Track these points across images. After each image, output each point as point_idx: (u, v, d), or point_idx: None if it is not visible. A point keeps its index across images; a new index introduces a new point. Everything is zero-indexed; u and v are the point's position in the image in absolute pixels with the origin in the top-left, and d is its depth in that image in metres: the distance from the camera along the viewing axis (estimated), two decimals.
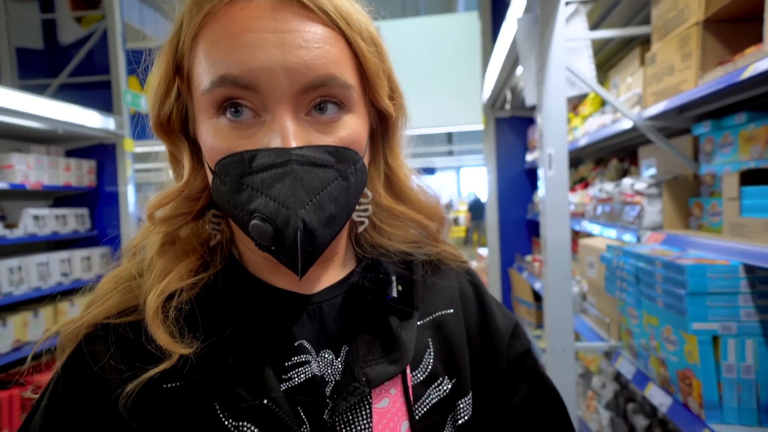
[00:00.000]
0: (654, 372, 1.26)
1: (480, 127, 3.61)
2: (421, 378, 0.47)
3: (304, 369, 0.43)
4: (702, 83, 1.13)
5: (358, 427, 0.42)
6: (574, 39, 1.52)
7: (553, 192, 1.49)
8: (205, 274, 0.45)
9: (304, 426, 0.41)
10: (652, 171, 1.72)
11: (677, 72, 1.24)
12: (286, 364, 0.43)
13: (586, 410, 2.04)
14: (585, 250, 1.88)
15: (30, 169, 3.02)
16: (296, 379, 0.43)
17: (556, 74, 1.42)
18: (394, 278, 0.48)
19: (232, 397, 0.40)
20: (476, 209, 12.26)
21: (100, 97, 3.52)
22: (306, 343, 0.44)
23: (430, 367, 0.47)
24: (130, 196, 3.54)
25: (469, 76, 4.60)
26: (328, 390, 0.43)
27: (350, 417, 0.42)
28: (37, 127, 2.95)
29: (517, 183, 3.38)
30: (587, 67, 1.52)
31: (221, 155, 0.40)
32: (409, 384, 0.45)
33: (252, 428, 0.40)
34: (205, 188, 0.46)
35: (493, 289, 3.50)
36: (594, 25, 1.87)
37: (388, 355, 0.44)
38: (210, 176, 0.42)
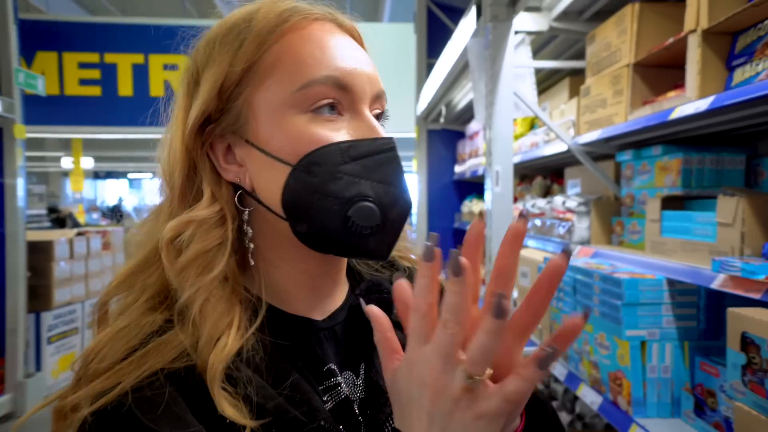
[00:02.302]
0: (585, 374, 1.40)
1: (406, 135, 3.71)
2: None
3: (337, 391, 0.46)
4: (632, 118, 1.29)
5: None
6: (520, 66, 1.64)
7: (499, 206, 1.59)
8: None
9: None
10: (577, 190, 1.92)
11: (609, 106, 1.41)
12: (321, 388, 0.45)
13: None
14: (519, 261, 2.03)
15: None
16: (330, 402, 0.45)
17: (505, 98, 1.52)
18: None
19: (289, 423, 0.40)
20: None
21: None
22: (333, 366, 0.47)
23: None
24: (19, 189, 3.04)
25: (399, 86, 4.72)
26: (356, 408, 0.46)
27: (385, 429, 0.45)
28: None
29: (446, 193, 3.54)
30: (530, 93, 1.65)
31: (313, 146, 0.42)
32: None
33: None
34: (221, 210, 0.44)
35: None
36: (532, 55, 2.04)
37: None
38: (279, 176, 0.43)
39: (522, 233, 0.34)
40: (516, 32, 1.55)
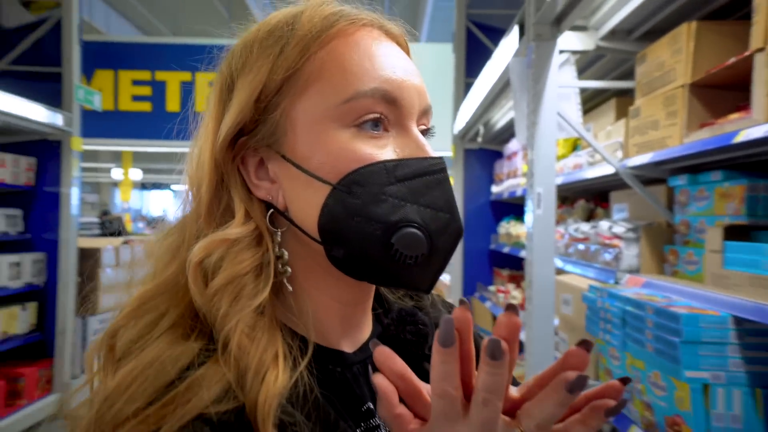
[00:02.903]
0: (638, 414, 1.29)
1: (442, 153, 3.67)
2: None
3: None
4: (688, 141, 1.21)
5: None
6: (565, 86, 1.59)
7: (541, 230, 1.52)
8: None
9: None
10: (624, 215, 1.82)
11: (662, 128, 1.33)
12: (359, 430, 0.41)
13: None
14: (561, 287, 1.93)
15: None
16: None
17: (548, 118, 1.47)
18: (431, 329, 0.46)
19: None
20: None
21: (47, 90, 3.20)
22: (371, 405, 0.43)
23: None
24: (73, 198, 3.22)
25: (438, 106, 4.72)
26: None
27: None
28: None
29: (482, 213, 3.47)
30: (575, 113, 1.59)
31: (356, 165, 0.38)
32: None
33: None
34: (256, 229, 0.40)
35: None
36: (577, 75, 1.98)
37: None
38: (317, 196, 0.39)
39: (467, 321, 0.33)
40: (561, 51, 1.51)
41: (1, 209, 3.03)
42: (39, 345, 3.25)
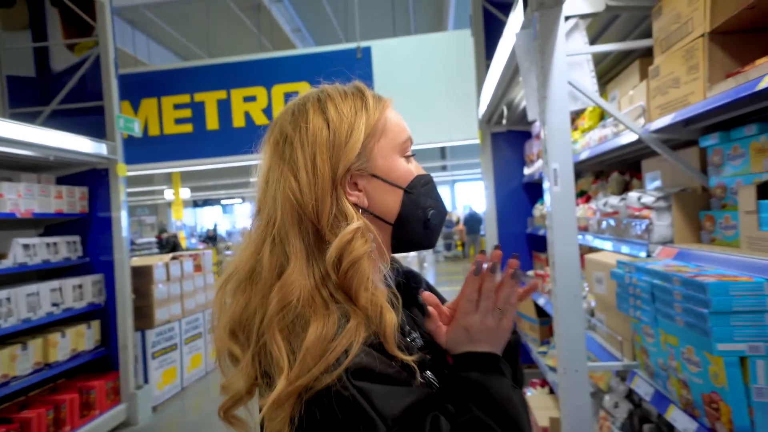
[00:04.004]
0: (675, 394, 1.20)
1: (474, 141, 3.59)
2: None
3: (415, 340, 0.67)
4: (711, 95, 1.11)
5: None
6: (574, 53, 1.51)
7: (560, 207, 1.45)
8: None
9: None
10: (657, 184, 1.70)
11: (683, 84, 1.23)
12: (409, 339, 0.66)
13: (599, 431, 1.97)
14: (592, 265, 1.84)
15: (20, 198, 2.95)
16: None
17: (559, 89, 1.40)
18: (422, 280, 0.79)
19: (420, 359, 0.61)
20: (472, 223, 12.24)
21: (93, 123, 3.47)
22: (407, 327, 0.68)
23: None
24: (123, 221, 3.47)
25: (462, 92, 4.62)
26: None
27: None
28: (28, 155, 2.90)
29: (516, 197, 3.36)
30: (589, 81, 1.50)
31: (412, 177, 0.68)
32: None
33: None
34: (364, 223, 0.64)
35: None
36: (593, 40, 1.87)
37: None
38: (395, 196, 0.66)
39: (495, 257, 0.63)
40: (567, 18, 1.43)
41: (62, 237, 3.32)
42: (105, 359, 3.54)
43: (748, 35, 1.09)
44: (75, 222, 3.49)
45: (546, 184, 1.48)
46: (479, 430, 0.55)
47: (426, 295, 0.64)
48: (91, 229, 3.50)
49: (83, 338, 3.34)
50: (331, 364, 0.53)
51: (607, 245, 1.74)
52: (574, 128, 2.28)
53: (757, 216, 1.03)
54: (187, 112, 5.96)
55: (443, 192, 20.23)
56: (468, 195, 17.85)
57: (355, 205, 0.64)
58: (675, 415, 1.20)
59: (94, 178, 3.46)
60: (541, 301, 2.74)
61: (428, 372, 0.62)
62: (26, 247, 3.03)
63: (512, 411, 0.56)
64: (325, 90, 0.67)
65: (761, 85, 0.89)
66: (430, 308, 0.65)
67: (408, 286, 0.74)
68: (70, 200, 3.34)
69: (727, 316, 0.96)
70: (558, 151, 1.42)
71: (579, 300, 1.47)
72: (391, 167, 0.65)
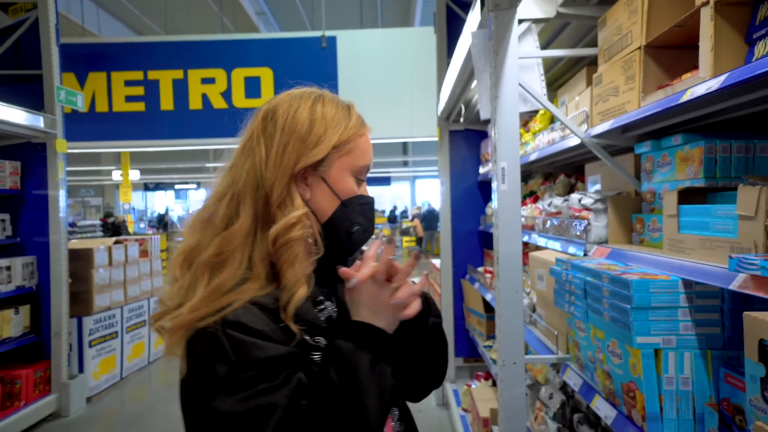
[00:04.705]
0: (600, 384, 1.28)
1: (435, 138, 3.65)
2: None
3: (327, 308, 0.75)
4: (644, 105, 1.18)
5: None
6: (526, 56, 1.56)
7: (506, 205, 1.50)
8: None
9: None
10: (597, 187, 1.79)
11: (622, 93, 1.30)
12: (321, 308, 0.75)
13: (534, 422, 2.07)
14: (535, 262, 1.92)
15: None
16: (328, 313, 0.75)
17: (510, 90, 1.44)
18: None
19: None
20: (430, 219, 12.44)
21: (31, 93, 3.21)
22: (322, 297, 0.76)
23: None
24: (61, 200, 3.24)
25: (426, 89, 4.67)
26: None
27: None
28: None
29: (470, 195, 3.44)
30: (538, 85, 1.56)
31: (352, 194, 0.76)
32: None
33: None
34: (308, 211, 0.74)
35: (446, 299, 3.52)
36: (545, 45, 1.93)
37: None
38: (332, 204, 0.75)
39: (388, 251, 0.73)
40: (521, 21, 1.48)
41: None
42: (34, 347, 3.30)
43: (679, 51, 1.17)
44: (4, 199, 3.22)
45: (494, 182, 1.52)
46: (328, 392, 0.62)
47: (342, 270, 0.70)
48: (24, 207, 3.25)
49: (9, 324, 3.10)
50: (216, 310, 0.62)
51: (551, 244, 1.82)
52: (527, 130, 2.36)
53: (677, 220, 1.11)
54: (139, 90, 5.62)
55: (404, 187, 20.39)
56: (428, 191, 18.09)
57: (300, 195, 0.73)
58: (599, 404, 1.28)
59: (29, 153, 3.21)
60: (488, 297, 2.83)
61: (320, 338, 0.69)
62: None
63: (363, 383, 0.63)
64: (325, 94, 0.77)
65: (684, 98, 0.95)
66: (345, 276, 0.72)
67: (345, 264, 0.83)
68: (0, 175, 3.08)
69: (647, 311, 1.04)
70: (506, 151, 1.47)
71: (520, 295, 1.53)
72: (340, 180, 0.75)
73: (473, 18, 1.74)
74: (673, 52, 1.19)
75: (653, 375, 1.04)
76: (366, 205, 0.77)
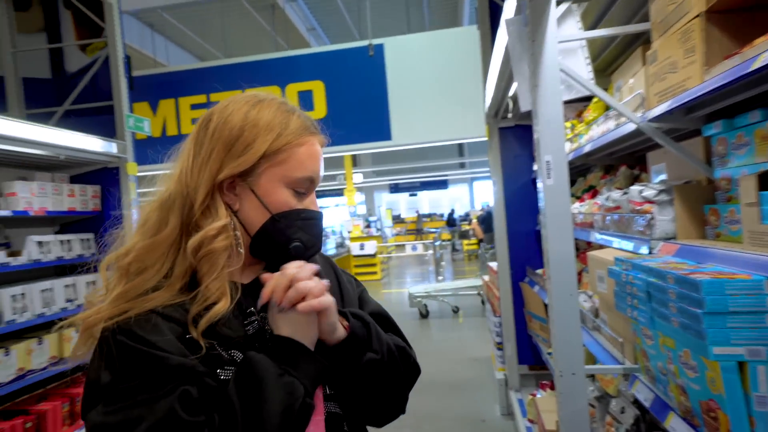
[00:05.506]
0: (674, 400, 1.13)
1: (479, 139, 3.52)
2: None
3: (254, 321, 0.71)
4: (708, 78, 1.03)
5: None
6: (567, 39, 1.43)
7: (554, 202, 1.38)
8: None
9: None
10: (663, 177, 1.60)
11: (681, 69, 1.14)
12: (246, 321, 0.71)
13: None
14: (594, 262, 1.76)
15: (34, 196, 3.03)
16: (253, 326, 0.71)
17: (550, 77, 1.33)
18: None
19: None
20: (490, 221, 12.06)
21: (105, 122, 3.54)
22: (253, 309, 0.71)
23: None
24: (133, 219, 3.53)
25: (476, 89, 4.53)
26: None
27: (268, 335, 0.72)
28: (40, 154, 2.97)
29: (525, 193, 3.26)
30: (583, 69, 1.43)
31: (286, 208, 0.70)
32: None
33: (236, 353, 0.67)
34: (231, 221, 0.70)
35: (504, 303, 3.35)
36: (591, 26, 1.78)
37: None
38: (261, 216, 0.70)
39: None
40: (559, 2, 1.36)
41: (76, 234, 3.40)
42: None
43: (748, 14, 1.01)
44: (88, 220, 3.57)
45: (539, 177, 1.41)
46: (225, 407, 0.60)
47: (264, 276, 0.66)
48: (104, 226, 3.58)
49: None
50: (116, 314, 0.62)
51: (612, 241, 1.65)
52: (580, 120, 2.19)
53: (759, 209, 0.95)
54: (203, 113, 6.03)
55: (462, 190, 19.95)
56: (487, 193, 17.58)
57: (228, 205, 0.70)
58: (674, 424, 1.12)
59: (106, 177, 3.54)
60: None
61: (236, 351, 0.65)
62: (40, 244, 3.11)
63: (267, 395, 0.59)
64: (269, 99, 0.72)
65: (755, 65, 0.81)
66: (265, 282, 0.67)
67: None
68: (83, 198, 3.42)
69: (724, 317, 0.89)
70: (551, 142, 1.36)
71: (574, 299, 1.40)
72: (270, 192, 0.70)
73: (509, 6, 1.64)
74: (740, 16, 1.02)
75: (739, 393, 0.89)
76: (309, 219, 0.71)
